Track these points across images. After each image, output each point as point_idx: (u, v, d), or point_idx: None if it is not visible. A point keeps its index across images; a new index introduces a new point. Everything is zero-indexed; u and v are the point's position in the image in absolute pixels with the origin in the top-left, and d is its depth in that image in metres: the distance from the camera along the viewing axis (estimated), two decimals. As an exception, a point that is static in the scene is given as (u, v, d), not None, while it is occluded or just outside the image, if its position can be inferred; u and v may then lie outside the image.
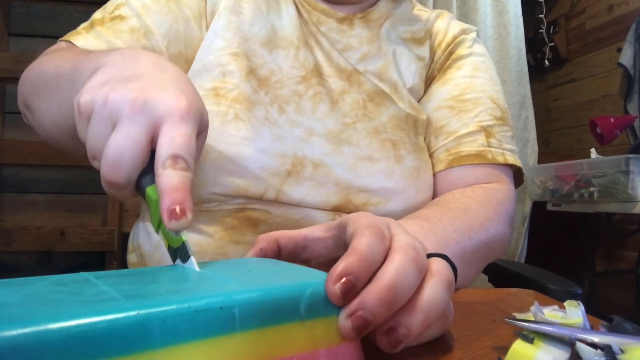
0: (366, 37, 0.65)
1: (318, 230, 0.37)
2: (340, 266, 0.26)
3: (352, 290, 0.26)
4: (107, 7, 0.59)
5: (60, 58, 0.49)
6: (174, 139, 0.31)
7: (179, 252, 0.31)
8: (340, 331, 0.26)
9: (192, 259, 0.30)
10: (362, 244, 0.27)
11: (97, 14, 0.59)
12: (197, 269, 0.29)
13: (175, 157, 0.30)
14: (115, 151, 0.31)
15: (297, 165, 0.55)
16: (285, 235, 0.38)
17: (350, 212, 0.56)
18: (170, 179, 0.29)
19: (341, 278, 0.25)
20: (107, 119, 0.32)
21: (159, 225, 0.31)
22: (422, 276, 0.28)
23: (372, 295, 0.26)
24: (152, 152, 0.32)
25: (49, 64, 0.50)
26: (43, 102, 0.50)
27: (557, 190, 1.85)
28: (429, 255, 0.31)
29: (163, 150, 0.31)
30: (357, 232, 0.29)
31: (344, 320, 0.25)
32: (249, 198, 0.54)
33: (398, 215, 0.56)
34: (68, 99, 0.42)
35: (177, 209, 0.28)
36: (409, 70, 0.65)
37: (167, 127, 0.32)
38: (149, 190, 0.32)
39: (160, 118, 0.32)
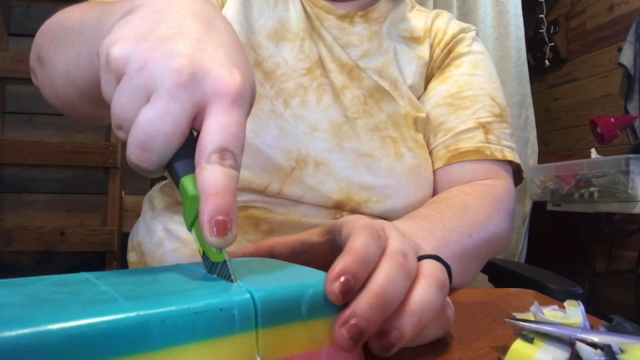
0: (366, 35, 0.65)
1: (315, 234, 0.37)
2: (337, 266, 0.26)
3: (350, 290, 0.26)
4: None
5: (87, 5, 0.45)
6: (223, 127, 0.25)
7: (219, 270, 0.27)
8: (336, 341, 0.25)
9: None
10: (358, 244, 0.27)
11: None
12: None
13: (223, 151, 0.25)
14: (148, 131, 0.25)
15: (300, 162, 0.55)
16: (280, 242, 0.37)
17: (351, 209, 0.57)
18: (215, 179, 0.24)
19: (339, 278, 0.25)
20: (142, 87, 0.26)
21: (192, 224, 0.27)
22: (411, 281, 0.28)
23: (362, 302, 0.26)
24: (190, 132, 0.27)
25: (73, 10, 0.46)
26: (60, 51, 0.44)
27: (557, 190, 1.84)
28: (422, 257, 0.31)
29: (210, 139, 0.25)
30: (353, 233, 0.29)
31: (338, 329, 0.25)
32: (252, 191, 0.54)
33: (398, 213, 0.56)
34: (90, 47, 0.36)
35: (221, 219, 0.23)
36: (410, 68, 0.66)
37: (216, 111, 0.26)
38: (185, 181, 0.26)
39: (208, 98, 0.26)
